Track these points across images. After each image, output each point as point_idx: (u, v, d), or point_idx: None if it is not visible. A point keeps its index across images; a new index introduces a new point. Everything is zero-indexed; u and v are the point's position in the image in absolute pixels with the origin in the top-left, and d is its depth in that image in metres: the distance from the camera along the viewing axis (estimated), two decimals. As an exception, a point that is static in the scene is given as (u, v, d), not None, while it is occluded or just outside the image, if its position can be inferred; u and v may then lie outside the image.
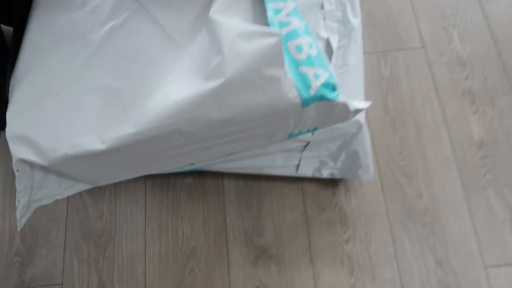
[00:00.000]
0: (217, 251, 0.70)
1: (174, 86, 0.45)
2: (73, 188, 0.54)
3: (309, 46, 0.48)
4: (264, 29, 0.44)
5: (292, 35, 0.48)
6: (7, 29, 0.59)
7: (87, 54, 0.49)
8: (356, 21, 0.67)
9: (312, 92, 0.46)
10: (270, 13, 0.47)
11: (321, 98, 0.47)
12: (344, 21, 0.67)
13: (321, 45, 0.66)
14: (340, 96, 0.48)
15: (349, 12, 0.68)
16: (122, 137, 0.44)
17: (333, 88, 0.47)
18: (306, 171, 0.68)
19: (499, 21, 0.85)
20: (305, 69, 0.46)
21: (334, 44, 0.65)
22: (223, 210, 0.72)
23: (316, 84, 0.46)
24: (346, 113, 0.50)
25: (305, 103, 0.46)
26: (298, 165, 0.67)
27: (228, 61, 0.43)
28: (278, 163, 0.66)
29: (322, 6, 0.69)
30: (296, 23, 0.48)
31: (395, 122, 0.77)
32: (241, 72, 0.43)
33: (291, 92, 0.45)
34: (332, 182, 0.73)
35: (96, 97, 0.47)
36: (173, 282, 0.69)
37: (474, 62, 0.81)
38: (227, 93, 0.43)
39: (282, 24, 0.48)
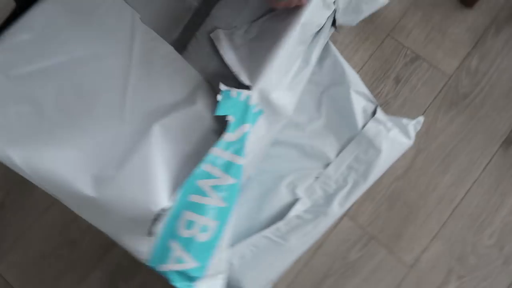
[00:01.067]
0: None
1: (82, 154, 0.45)
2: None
3: (203, 229, 0.43)
4: (159, 186, 0.40)
5: (196, 207, 0.43)
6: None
7: (56, 62, 0.48)
8: (336, 210, 0.59)
9: (160, 268, 0.42)
10: (195, 173, 0.42)
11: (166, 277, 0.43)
12: (329, 198, 0.59)
13: (285, 200, 0.59)
14: None
15: (341, 194, 0.60)
16: (13, 164, 0.44)
17: (189, 280, 0.43)
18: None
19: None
20: (175, 246, 0.42)
21: (296, 211, 0.58)
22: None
23: (170, 266, 0.42)
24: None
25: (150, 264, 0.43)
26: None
27: (113, 181, 0.42)
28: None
29: (326, 166, 0.61)
30: (214, 201, 0.43)
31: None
32: (113, 205, 0.41)
33: (144, 246, 0.42)
34: None
35: (27, 108, 0.46)
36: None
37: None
38: (93, 208, 0.42)
39: (197, 191, 0.43)
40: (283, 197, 0.60)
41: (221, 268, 0.46)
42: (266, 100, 0.46)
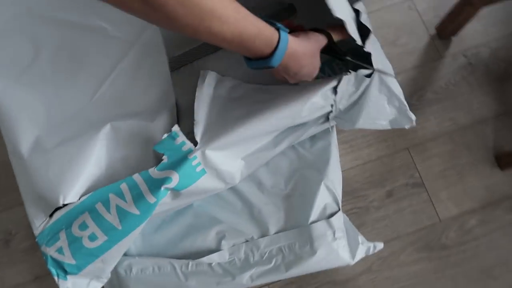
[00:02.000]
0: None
1: (43, 113, 0.48)
2: None
3: (92, 237, 0.45)
4: (78, 181, 0.44)
5: (96, 216, 0.45)
6: None
7: (73, 20, 0.51)
8: (243, 281, 0.59)
9: (42, 248, 0.45)
10: (111, 186, 0.45)
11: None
12: (246, 266, 0.60)
13: (208, 244, 0.60)
14: (63, 281, 0.46)
15: (258, 270, 0.60)
16: None
17: (63, 271, 0.45)
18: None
19: None
20: (63, 237, 0.45)
21: (210, 259, 0.59)
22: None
23: (50, 251, 0.45)
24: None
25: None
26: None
27: (45, 154, 0.46)
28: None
29: (261, 236, 0.60)
30: (112, 220, 0.45)
31: None
32: (32, 174, 0.45)
33: (39, 222, 0.45)
34: None
35: (28, 46, 0.50)
36: None
37: None
38: (19, 164, 0.47)
39: (104, 202, 0.45)
40: (208, 240, 0.61)
41: (100, 275, 0.48)
42: (209, 163, 0.47)
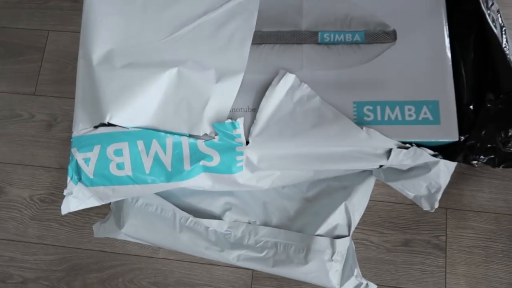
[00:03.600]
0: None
1: (125, 33, 0.51)
2: None
3: (119, 166, 0.48)
4: (128, 107, 0.47)
5: (133, 150, 0.48)
6: None
7: None
8: (230, 258, 0.61)
9: (73, 150, 0.49)
10: (159, 133, 0.47)
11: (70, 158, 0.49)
12: (238, 245, 0.63)
13: (212, 209, 0.61)
14: (72, 184, 0.50)
15: (246, 254, 0.62)
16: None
17: (78, 177, 0.50)
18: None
19: None
20: (95, 151, 0.48)
21: (209, 223, 0.61)
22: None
23: (78, 157, 0.48)
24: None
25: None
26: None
27: (110, 70, 0.49)
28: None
29: (263, 223, 0.61)
30: (145, 163, 0.47)
31: None
32: (94, 83, 0.49)
33: (84, 126, 0.49)
34: None
35: None
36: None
37: None
38: (85, 71, 0.51)
39: (147, 144, 0.48)
40: (214, 206, 0.63)
41: (103, 199, 0.51)
42: (249, 165, 0.49)
